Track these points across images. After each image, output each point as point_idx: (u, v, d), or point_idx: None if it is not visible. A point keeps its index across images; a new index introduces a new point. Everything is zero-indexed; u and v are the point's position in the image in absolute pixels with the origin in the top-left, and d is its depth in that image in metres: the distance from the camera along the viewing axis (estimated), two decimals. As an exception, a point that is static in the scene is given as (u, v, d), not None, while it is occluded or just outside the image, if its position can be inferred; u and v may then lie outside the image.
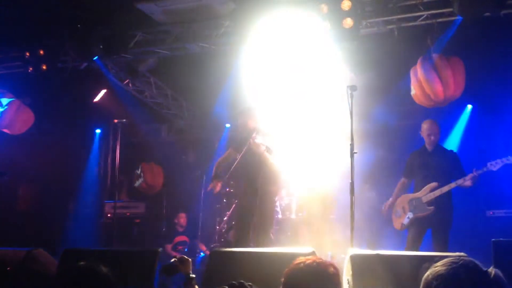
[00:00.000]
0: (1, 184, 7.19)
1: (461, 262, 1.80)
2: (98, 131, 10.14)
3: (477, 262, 1.82)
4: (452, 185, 5.96)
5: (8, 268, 4.30)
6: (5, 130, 8.49)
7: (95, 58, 7.49)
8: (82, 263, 2.78)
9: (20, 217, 8.43)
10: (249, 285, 2.25)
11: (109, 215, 8.72)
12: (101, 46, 7.35)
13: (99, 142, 10.21)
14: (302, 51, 6.93)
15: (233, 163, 6.26)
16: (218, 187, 6.24)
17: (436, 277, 1.80)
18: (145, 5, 6.87)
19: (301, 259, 2.45)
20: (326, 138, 6.93)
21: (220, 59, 7.69)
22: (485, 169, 5.89)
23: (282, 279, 2.42)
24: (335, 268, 2.45)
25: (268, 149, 6.04)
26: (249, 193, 6.03)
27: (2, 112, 8.31)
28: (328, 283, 2.38)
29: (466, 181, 5.90)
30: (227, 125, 9.51)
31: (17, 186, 9.14)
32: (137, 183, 9.53)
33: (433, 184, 6.03)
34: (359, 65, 6.93)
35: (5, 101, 8.31)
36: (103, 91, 8.79)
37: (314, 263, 2.40)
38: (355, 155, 5.42)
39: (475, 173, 5.87)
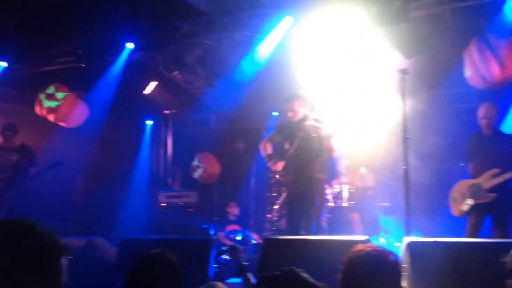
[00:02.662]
0: (59, 175, 7.44)
1: None
2: (149, 122, 10.32)
3: None
4: None
5: (70, 257, 4.42)
6: (61, 124, 8.76)
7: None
8: (150, 251, 2.85)
9: (78, 207, 8.71)
10: (300, 271, 2.25)
11: (162, 204, 8.90)
12: (148, 38, 7.46)
13: (151, 134, 10.40)
14: (352, 35, 6.82)
15: (278, 146, 6.23)
16: (280, 165, 6.14)
17: None
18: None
19: (360, 246, 2.42)
20: (378, 124, 6.82)
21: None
22: None
23: (342, 266, 2.40)
24: (395, 255, 2.41)
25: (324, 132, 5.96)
26: (300, 181, 5.99)
27: (57, 106, 8.57)
28: (389, 271, 2.34)
29: None
30: (275, 113, 9.49)
31: (74, 177, 9.43)
32: (196, 174, 9.67)
33: (495, 170, 5.79)
34: (410, 48, 6.75)
35: (60, 95, 8.56)
36: (153, 83, 8.91)
37: (375, 251, 2.36)
38: (408, 140, 5.31)
39: None
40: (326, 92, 7.00)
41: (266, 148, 6.25)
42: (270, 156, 6.19)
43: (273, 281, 2.19)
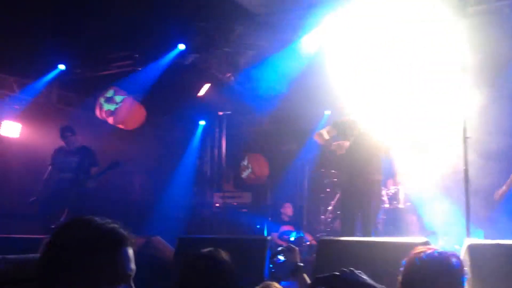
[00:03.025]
0: (118, 175, 7.66)
1: None
2: (202, 122, 10.42)
3: None
4: None
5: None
6: (119, 126, 9.02)
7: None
8: (205, 250, 2.88)
9: (136, 206, 8.94)
10: (359, 273, 2.21)
11: (217, 204, 9.01)
12: (203, 41, 7.57)
13: (204, 134, 10.54)
14: (410, 32, 6.67)
15: (330, 140, 6.13)
16: (344, 146, 6.00)
17: None
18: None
19: (420, 248, 2.36)
20: (437, 123, 6.64)
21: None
22: None
23: (402, 269, 2.35)
24: (457, 258, 2.34)
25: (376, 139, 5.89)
26: (356, 182, 5.91)
27: (116, 109, 8.83)
28: (452, 274, 2.27)
29: None
30: (327, 112, 9.40)
31: (131, 177, 9.68)
32: (244, 174, 9.75)
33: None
34: (470, 44, 6.53)
35: (118, 98, 8.82)
36: (207, 85, 9.04)
37: (435, 253, 2.30)
38: (468, 139, 5.14)
39: None
40: (380, 90, 6.87)
41: (323, 135, 6.12)
42: (329, 142, 6.06)
43: (332, 281, 2.16)
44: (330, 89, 7.41)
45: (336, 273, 2.19)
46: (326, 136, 6.08)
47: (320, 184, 8.67)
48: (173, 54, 8.24)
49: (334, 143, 5.99)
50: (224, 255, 2.86)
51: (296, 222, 9.00)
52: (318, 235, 8.09)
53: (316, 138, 6.23)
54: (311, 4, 7.11)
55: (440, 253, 2.30)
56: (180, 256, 5.03)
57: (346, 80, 6.99)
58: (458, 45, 6.61)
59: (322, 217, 8.31)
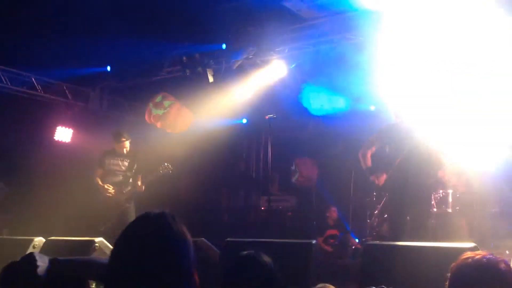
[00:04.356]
0: (165, 178, 7.82)
1: None
2: (247, 124, 10.42)
3: None
4: None
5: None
6: (168, 130, 9.23)
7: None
8: (245, 252, 2.90)
9: (183, 208, 9.09)
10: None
11: (262, 208, 9.05)
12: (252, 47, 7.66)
13: (251, 138, 10.61)
14: (467, 30, 6.47)
15: (379, 151, 6.11)
16: (382, 180, 6.07)
17: None
18: (292, 2, 6.99)
19: (469, 254, 2.33)
20: (492, 126, 6.45)
21: (365, 50, 7.56)
22: None
23: (449, 274, 2.32)
24: (506, 264, 2.29)
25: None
26: (405, 186, 5.84)
27: (164, 113, 9.04)
28: (500, 280, 2.23)
29: None
30: (372, 107, 9.32)
31: (179, 180, 9.84)
32: (293, 178, 9.78)
33: None
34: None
35: (167, 103, 9.03)
36: (254, 89, 9.11)
37: (484, 259, 2.26)
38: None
39: None
40: (430, 93, 6.74)
41: (366, 160, 6.18)
42: (370, 170, 6.13)
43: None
44: (375, 86, 7.36)
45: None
46: (368, 163, 6.12)
47: (366, 187, 8.58)
48: (220, 58, 8.35)
49: (372, 176, 6.05)
50: (266, 258, 2.87)
51: (341, 226, 8.94)
52: (364, 239, 8.01)
53: (360, 159, 6.26)
54: (361, 6, 7.08)
55: (488, 259, 2.25)
56: (226, 259, 5.09)
57: (394, 77, 6.92)
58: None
59: (368, 221, 8.22)
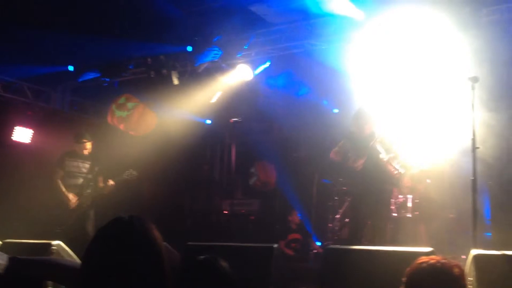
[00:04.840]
0: (129, 183, 7.72)
1: None
2: (211, 126, 10.37)
3: None
4: None
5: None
6: (131, 132, 9.11)
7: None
8: (202, 257, 2.90)
9: (145, 211, 9.00)
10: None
11: (225, 212, 9.04)
12: (217, 50, 7.65)
13: (214, 141, 10.57)
14: (420, 43, 6.71)
15: (347, 156, 6.24)
16: (360, 162, 6.18)
17: None
18: (259, 7, 7.03)
19: (424, 258, 2.38)
20: (447, 134, 6.65)
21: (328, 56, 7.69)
22: None
23: (404, 279, 2.37)
24: (460, 269, 2.36)
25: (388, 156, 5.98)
26: (365, 192, 5.96)
27: (127, 115, 8.93)
28: (453, 285, 2.29)
29: None
30: (335, 110, 9.48)
31: (142, 183, 9.73)
32: (251, 181, 9.79)
33: None
34: (481, 55, 6.54)
35: (130, 105, 8.92)
36: (219, 92, 9.11)
37: (438, 263, 2.32)
38: (477, 150, 5.15)
39: None
40: (390, 100, 6.91)
41: (339, 153, 6.28)
42: (346, 157, 6.22)
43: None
44: (342, 90, 7.50)
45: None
46: (341, 154, 6.23)
47: (328, 192, 8.68)
48: (185, 60, 8.32)
49: (351, 160, 6.14)
50: (223, 262, 2.87)
51: (303, 230, 9.00)
52: (325, 243, 8.09)
53: (332, 156, 6.36)
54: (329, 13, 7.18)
55: (442, 264, 2.31)
56: (187, 263, 5.07)
57: (358, 83, 7.07)
58: (470, 56, 6.64)
59: (330, 225, 8.31)
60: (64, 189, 7.30)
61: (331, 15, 7.13)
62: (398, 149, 6.16)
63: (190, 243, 5.43)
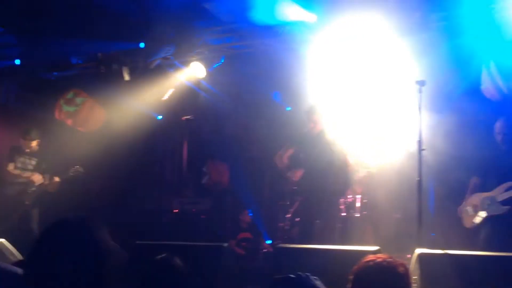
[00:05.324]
0: (77, 180, 7.56)
1: None
2: (162, 122, 10.26)
3: None
4: None
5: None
6: (79, 128, 8.89)
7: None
8: (159, 256, 2.89)
9: (93, 209, 8.80)
10: (314, 278, 2.26)
11: (175, 210, 8.95)
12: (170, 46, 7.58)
13: (166, 139, 10.45)
14: (370, 44, 6.86)
15: (294, 156, 6.32)
16: (298, 174, 6.28)
17: None
18: (212, 4, 7.00)
19: (370, 257, 2.43)
20: (394, 135, 6.83)
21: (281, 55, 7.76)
22: None
23: (351, 277, 2.41)
24: (404, 267, 2.42)
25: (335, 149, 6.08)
26: (314, 191, 6.04)
27: (76, 110, 8.71)
28: (398, 283, 2.35)
29: None
30: (288, 108, 9.56)
31: (90, 180, 9.53)
32: (204, 180, 9.74)
33: (509, 183, 5.80)
34: (428, 59, 6.75)
35: (79, 100, 8.71)
36: (171, 90, 9.01)
37: (384, 262, 2.37)
38: (423, 152, 5.31)
39: None
40: (340, 101, 7.04)
41: (282, 159, 6.35)
42: (286, 168, 6.30)
43: (287, 283, 2.21)
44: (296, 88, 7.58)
45: (292, 275, 2.24)
46: (285, 161, 6.32)
47: (279, 191, 8.74)
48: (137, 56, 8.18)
49: (288, 173, 6.24)
50: (178, 261, 2.87)
51: (254, 229, 9.03)
52: (275, 243, 8.14)
53: (276, 161, 6.43)
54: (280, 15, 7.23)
55: (387, 262, 2.37)
56: (135, 262, 5.00)
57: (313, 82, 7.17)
58: (418, 60, 6.85)
59: (281, 224, 8.37)
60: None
61: (284, 16, 7.19)
62: (350, 148, 6.28)
63: (139, 242, 5.37)
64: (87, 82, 8.85)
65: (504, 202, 5.81)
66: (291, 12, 6.93)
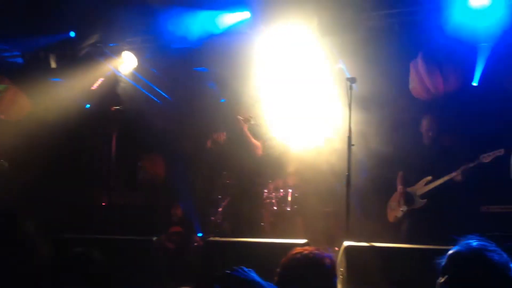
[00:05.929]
0: (1, 174, 7.20)
1: None
2: (88, 106, 9.95)
3: None
4: (446, 178, 5.98)
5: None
6: (1, 116, 8.46)
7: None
8: (77, 249, 2.81)
9: (19, 203, 8.41)
10: (249, 270, 2.25)
11: (104, 204, 8.70)
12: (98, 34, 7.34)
13: (96, 130, 10.14)
14: (302, 43, 6.95)
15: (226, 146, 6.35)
16: (221, 136, 6.30)
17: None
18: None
19: (298, 249, 2.46)
20: (324, 131, 6.96)
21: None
22: (476, 162, 5.87)
23: (278, 269, 2.43)
24: (331, 259, 2.46)
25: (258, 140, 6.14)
26: (239, 185, 6.10)
27: (-3, 98, 8.28)
28: (324, 274, 2.39)
29: (457, 175, 5.91)
30: (222, 100, 9.53)
31: (13, 173, 9.12)
32: (139, 175, 9.53)
33: (428, 177, 6.08)
34: (360, 57, 6.92)
35: (1, 87, 8.28)
36: (101, 79, 8.74)
37: (311, 254, 2.40)
38: (352, 147, 5.44)
39: (465, 167, 5.87)
40: (272, 96, 7.10)
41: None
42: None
43: (223, 280, 2.18)
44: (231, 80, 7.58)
45: (228, 271, 2.21)
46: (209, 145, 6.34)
47: (212, 185, 8.69)
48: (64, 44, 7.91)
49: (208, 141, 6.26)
50: (97, 254, 2.80)
51: (186, 223, 8.94)
52: (207, 236, 8.10)
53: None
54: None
55: (314, 254, 2.40)
56: (61, 256, 4.84)
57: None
58: (349, 59, 7.01)
59: (212, 218, 8.34)
60: None
61: (218, 10, 7.18)
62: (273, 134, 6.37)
63: (66, 235, 5.23)
64: (12, 69, 8.44)
65: (423, 196, 6.09)
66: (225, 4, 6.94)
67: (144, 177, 9.56)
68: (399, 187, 6.41)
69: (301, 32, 6.84)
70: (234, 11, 7.19)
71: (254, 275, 2.23)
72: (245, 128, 6.30)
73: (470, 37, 6.58)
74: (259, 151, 6.35)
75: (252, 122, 6.42)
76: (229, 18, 7.28)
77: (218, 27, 7.34)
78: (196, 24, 7.37)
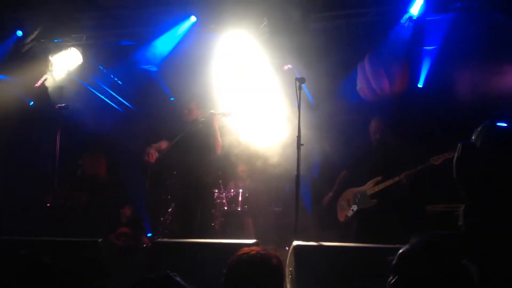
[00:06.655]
0: None
1: None
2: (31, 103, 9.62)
3: None
4: (396, 179, 6.09)
5: None
6: None
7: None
8: (23, 252, 2.74)
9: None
10: (174, 275, 2.20)
11: (48, 204, 8.43)
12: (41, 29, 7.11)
13: (40, 128, 9.82)
14: (251, 43, 6.97)
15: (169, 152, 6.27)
16: (154, 156, 6.23)
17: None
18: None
19: (244, 250, 2.44)
20: (274, 130, 6.98)
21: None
22: (427, 164, 6.01)
23: (225, 270, 2.40)
24: (278, 259, 2.45)
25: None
26: (188, 185, 6.05)
27: None
28: (271, 274, 2.38)
29: (402, 179, 6.01)
30: (172, 98, 9.45)
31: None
32: (78, 172, 9.24)
33: (377, 178, 6.19)
34: (308, 58, 6.98)
35: None
36: (45, 76, 8.45)
37: (258, 254, 2.39)
38: (301, 147, 5.47)
39: (409, 172, 5.97)
40: (224, 95, 7.08)
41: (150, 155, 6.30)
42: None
43: (148, 284, 2.13)
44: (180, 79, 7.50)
45: (152, 276, 2.16)
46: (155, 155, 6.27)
47: (161, 185, 8.58)
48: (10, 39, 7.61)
49: (148, 150, 6.23)
50: (45, 258, 2.71)
51: (134, 224, 8.77)
52: (156, 237, 7.98)
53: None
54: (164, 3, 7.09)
55: (261, 254, 2.39)
56: (3, 259, 4.66)
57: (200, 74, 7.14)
58: (298, 59, 7.06)
59: (162, 219, 8.23)
60: None
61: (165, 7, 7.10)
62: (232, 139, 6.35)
63: (5, 237, 5.08)
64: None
65: (373, 196, 6.20)
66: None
67: (82, 175, 9.29)
68: (351, 188, 6.48)
69: (250, 32, 6.85)
70: (181, 23, 7.16)
71: (178, 279, 2.18)
72: (215, 125, 6.25)
73: (416, 40, 6.77)
74: (219, 150, 6.31)
75: (228, 118, 6.41)
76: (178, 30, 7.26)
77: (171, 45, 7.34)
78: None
